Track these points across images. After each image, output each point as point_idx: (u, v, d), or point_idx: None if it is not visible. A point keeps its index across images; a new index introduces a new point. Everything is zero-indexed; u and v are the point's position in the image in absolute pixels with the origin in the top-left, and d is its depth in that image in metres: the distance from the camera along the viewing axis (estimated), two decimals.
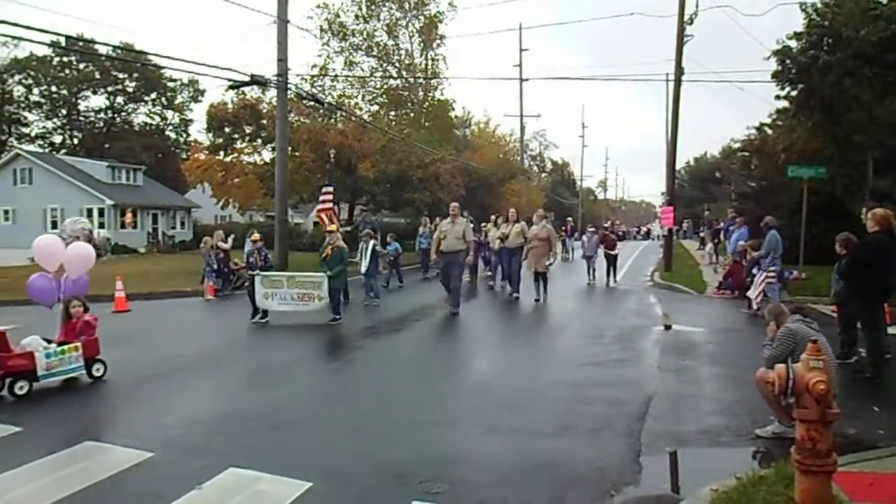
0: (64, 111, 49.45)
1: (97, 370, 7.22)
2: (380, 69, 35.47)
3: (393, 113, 35.87)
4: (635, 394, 6.34)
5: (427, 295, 14.33)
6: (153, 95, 50.83)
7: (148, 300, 15.13)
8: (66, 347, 6.96)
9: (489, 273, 17.27)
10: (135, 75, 47.91)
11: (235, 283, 15.67)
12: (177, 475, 4.40)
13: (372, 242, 13.59)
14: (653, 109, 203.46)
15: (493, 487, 4.18)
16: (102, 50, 40.33)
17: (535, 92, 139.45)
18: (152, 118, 52.47)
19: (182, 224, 41.24)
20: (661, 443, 5.01)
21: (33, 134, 49.26)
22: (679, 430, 5.32)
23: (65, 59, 45.87)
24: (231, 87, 22.05)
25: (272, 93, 20.17)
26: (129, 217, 36.06)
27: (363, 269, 13.38)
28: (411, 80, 36.07)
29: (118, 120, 51.36)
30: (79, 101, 49.56)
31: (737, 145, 31.77)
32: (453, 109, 39.41)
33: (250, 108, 25.23)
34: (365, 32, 35.01)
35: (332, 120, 27.69)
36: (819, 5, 16.07)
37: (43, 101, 48.12)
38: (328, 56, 33.71)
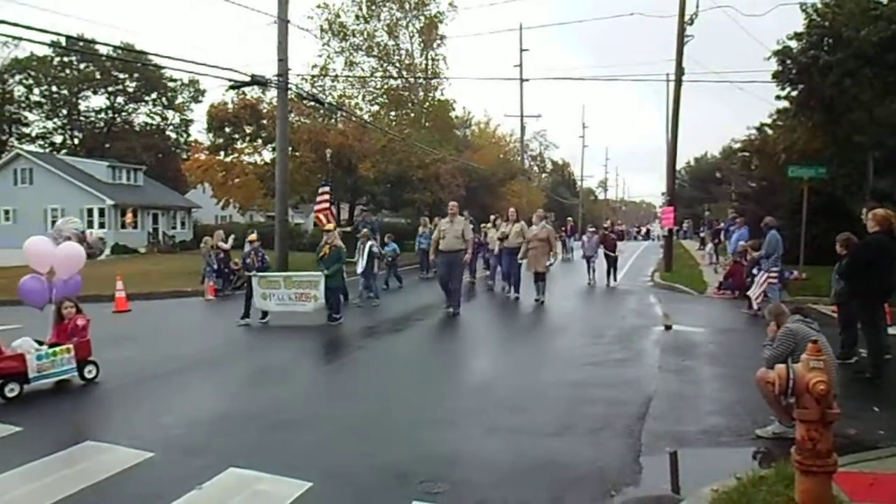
0: (64, 111, 49.48)
1: (89, 372, 7.13)
2: (380, 69, 35.51)
3: (393, 113, 35.89)
4: (635, 394, 6.34)
5: (427, 295, 14.33)
6: (154, 95, 50.86)
7: (148, 300, 15.15)
8: (57, 349, 6.86)
9: (488, 273, 17.26)
10: (135, 75, 47.93)
11: (236, 284, 15.67)
12: (177, 475, 4.40)
13: (369, 243, 13.58)
14: (653, 109, 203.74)
15: (494, 487, 4.18)
16: (103, 50, 40.35)
17: (536, 92, 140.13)
18: (153, 118, 52.53)
19: (182, 224, 41.25)
20: (662, 443, 5.01)
21: (34, 134, 49.33)
22: (679, 430, 5.32)
23: (65, 59, 45.89)
24: (231, 88, 22.05)
25: (272, 93, 20.16)
26: (129, 217, 36.07)
27: (359, 270, 13.39)
28: (412, 80, 36.08)
29: (119, 120, 51.39)
30: (79, 101, 49.59)
31: (737, 145, 31.80)
32: (453, 110, 39.48)
33: (251, 109, 25.23)
34: (365, 32, 35.05)
35: (333, 120, 27.69)
36: (819, 5, 16.06)
37: (43, 101, 48.15)
38: (328, 56, 33.79)
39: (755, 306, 11.03)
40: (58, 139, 49.89)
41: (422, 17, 36.38)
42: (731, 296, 13.75)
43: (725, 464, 4.42)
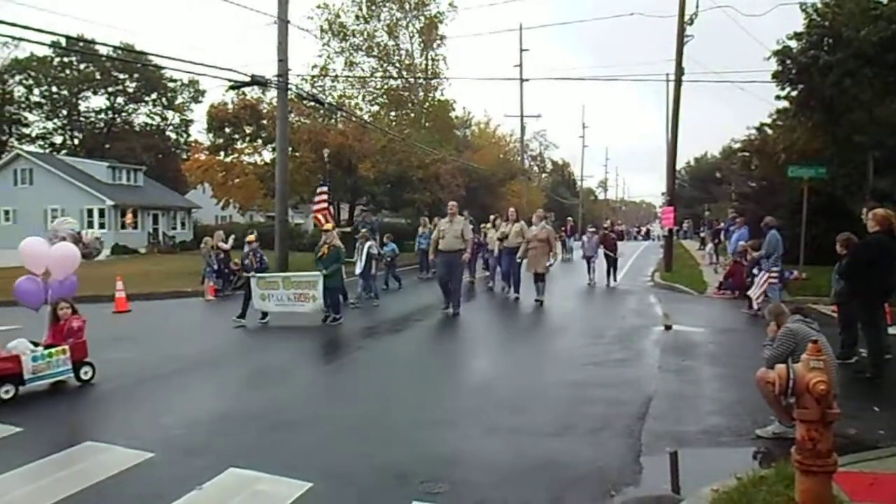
0: (64, 111, 49.50)
1: (85, 373, 7.05)
2: (380, 69, 35.50)
3: (393, 113, 35.89)
4: (635, 394, 6.34)
5: (426, 295, 14.33)
6: (153, 96, 50.88)
7: (148, 300, 15.15)
8: (53, 350, 6.79)
9: (487, 274, 17.24)
10: (135, 76, 47.96)
11: (236, 284, 15.64)
12: (177, 475, 4.40)
13: (368, 244, 13.56)
14: (653, 109, 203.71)
15: (494, 487, 4.18)
16: (103, 50, 40.41)
17: (536, 92, 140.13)
18: (153, 118, 52.55)
19: (182, 224, 41.26)
20: (662, 443, 5.01)
21: (34, 134, 49.35)
22: (679, 430, 5.32)
23: (65, 59, 45.92)
24: (231, 88, 22.06)
25: (272, 93, 20.17)
26: (129, 217, 36.08)
27: (357, 271, 13.38)
28: (411, 80, 36.08)
29: (118, 120, 51.41)
30: (79, 101, 49.61)
31: (737, 145, 31.80)
32: (453, 110, 39.47)
33: (251, 109, 25.23)
34: (365, 33, 35.05)
35: (333, 120, 27.69)
36: (819, 5, 16.06)
37: (43, 101, 48.17)
38: (328, 56, 33.78)
39: (756, 306, 11.03)
40: (58, 139, 49.92)
41: (422, 18, 36.38)
42: (731, 296, 13.75)
43: (725, 464, 4.41)
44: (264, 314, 11.19)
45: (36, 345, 6.90)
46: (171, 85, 49.96)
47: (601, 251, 17.23)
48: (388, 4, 35.51)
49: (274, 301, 11.10)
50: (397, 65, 36.20)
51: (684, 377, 7.12)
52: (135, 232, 36.50)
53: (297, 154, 22.94)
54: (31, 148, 45.57)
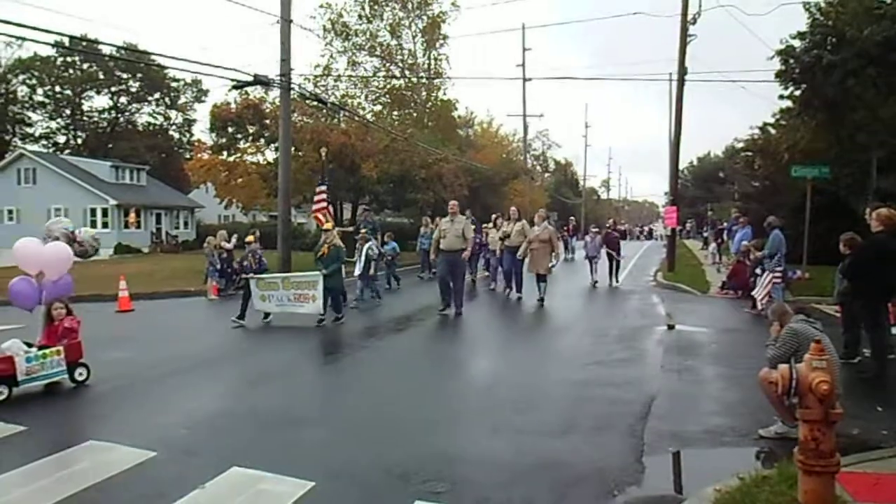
0: (68, 111, 49.64)
1: (80, 374, 6.94)
2: (383, 69, 35.46)
3: (396, 113, 35.86)
4: (638, 394, 6.33)
5: (428, 295, 14.30)
6: (157, 95, 51.02)
7: (151, 300, 15.16)
8: (47, 351, 6.71)
9: (488, 274, 17.22)
10: (138, 75, 48.08)
11: (238, 283, 15.66)
12: (180, 474, 4.41)
13: (367, 245, 13.53)
14: (656, 109, 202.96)
15: (496, 487, 4.18)
16: (106, 50, 40.45)
17: (538, 92, 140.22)
18: (156, 118, 52.69)
19: (185, 224, 41.34)
20: (664, 443, 5.00)
21: (37, 134, 49.53)
22: (682, 430, 5.30)
23: (68, 59, 46.07)
24: (234, 88, 22.00)
25: (275, 93, 20.13)
26: (132, 217, 36.16)
27: (356, 272, 13.37)
28: (414, 79, 36.05)
29: (122, 120, 51.55)
30: (82, 101, 49.77)
31: (740, 145, 31.68)
32: (456, 109, 39.41)
33: (253, 108, 25.24)
34: (368, 32, 35.00)
35: (336, 120, 27.70)
36: (822, 5, 16.03)
37: (47, 101, 48.32)
38: (331, 56, 33.73)
39: (760, 306, 11.01)
40: (61, 139, 50.08)
41: (424, 17, 36.34)
42: (734, 295, 13.73)
43: (728, 464, 4.40)
44: (266, 314, 11.19)
45: (30, 346, 6.82)
46: (174, 85, 50.11)
47: (604, 251, 17.20)
48: (390, 4, 35.47)
49: (274, 301, 11.07)
50: (400, 64, 36.16)
51: (687, 377, 7.11)
52: (138, 231, 36.58)
53: (299, 153, 22.96)
54: (35, 147, 45.68)
